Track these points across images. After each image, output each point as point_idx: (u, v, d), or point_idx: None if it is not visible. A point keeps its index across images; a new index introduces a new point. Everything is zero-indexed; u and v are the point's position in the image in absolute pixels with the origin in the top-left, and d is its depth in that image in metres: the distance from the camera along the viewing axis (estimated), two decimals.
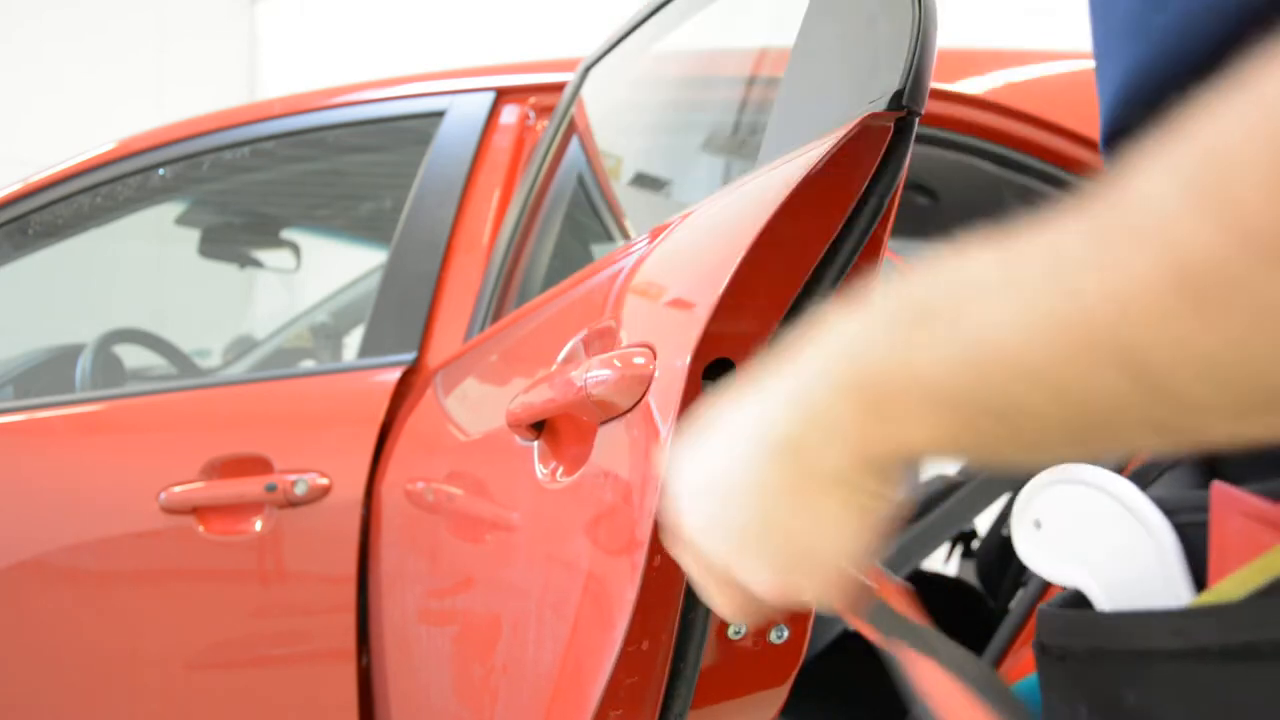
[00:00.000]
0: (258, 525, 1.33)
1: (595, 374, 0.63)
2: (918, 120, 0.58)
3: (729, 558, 0.42)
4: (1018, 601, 1.28)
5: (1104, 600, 0.46)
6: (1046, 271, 0.31)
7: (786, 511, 0.39)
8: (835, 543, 0.40)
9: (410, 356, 1.39)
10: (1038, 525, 0.48)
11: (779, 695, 0.64)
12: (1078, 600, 0.48)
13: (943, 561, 2.27)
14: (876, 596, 0.44)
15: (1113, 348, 0.29)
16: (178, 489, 1.35)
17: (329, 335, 2.55)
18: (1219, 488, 0.42)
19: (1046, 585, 1.15)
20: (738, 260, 0.56)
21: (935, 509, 1.93)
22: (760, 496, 0.40)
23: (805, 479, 0.38)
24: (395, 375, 1.37)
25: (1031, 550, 0.49)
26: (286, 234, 2.47)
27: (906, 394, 0.35)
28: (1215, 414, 0.29)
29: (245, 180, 2.01)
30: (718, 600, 0.45)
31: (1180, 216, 0.28)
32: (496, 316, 1.31)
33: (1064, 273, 0.30)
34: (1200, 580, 0.43)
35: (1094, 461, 0.42)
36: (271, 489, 1.32)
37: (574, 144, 1.44)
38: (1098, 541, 0.46)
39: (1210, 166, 0.27)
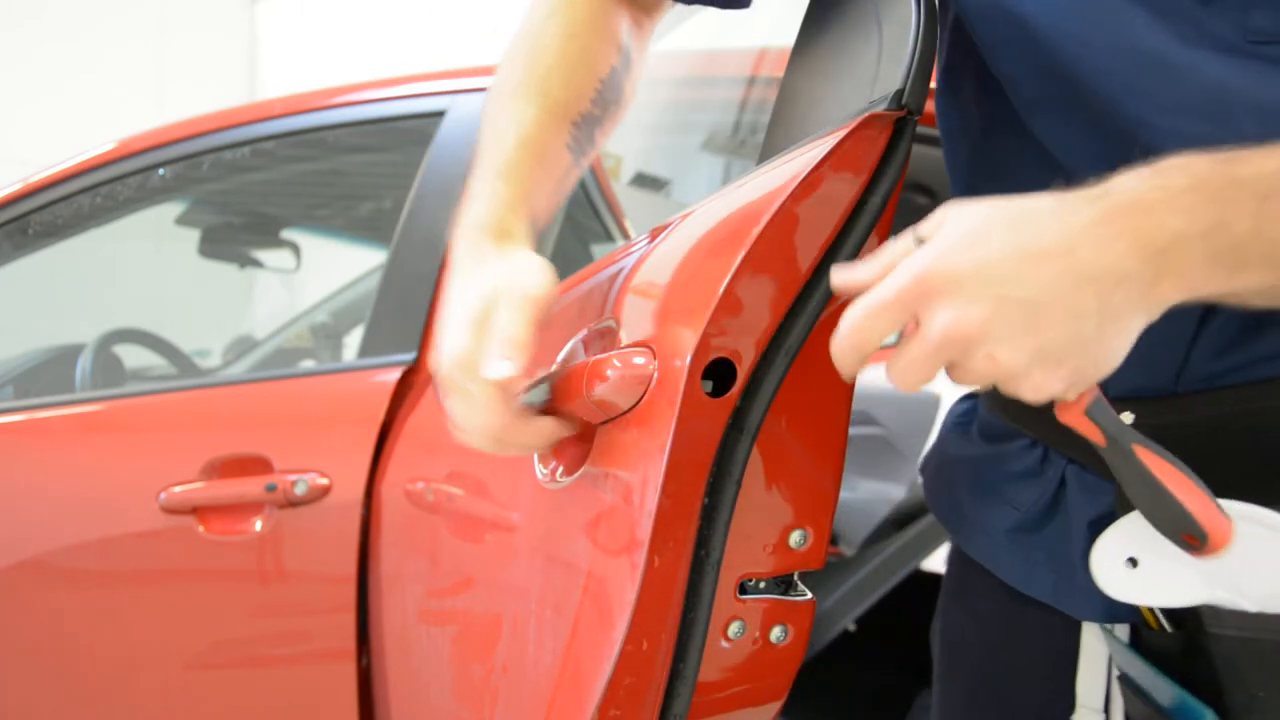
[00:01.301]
0: (258, 525, 1.33)
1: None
2: (918, 120, 0.58)
3: (1038, 340, 0.47)
4: None
5: (1252, 609, 0.52)
6: None
7: (1105, 320, 0.47)
8: (1119, 350, 0.48)
9: (410, 356, 1.39)
10: (1134, 563, 0.54)
11: (779, 696, 0.64)
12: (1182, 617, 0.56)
13: (944, 562, 2.27)
14: (1101, 398, 0.52)
15: None
16: (178, 489, 1.35)
17: (329, 335, 2.55)
18: None
19: None
20: (738, 260, 0.56)
21: None
22: (1093, 301, 0.46)
23: (1134, 304, 0.47)
24: (395, 375, 1.37)
25: (1129, 587, 0.55)
26: (286, 234, 2.47)
27: (1251, 250, 0.45)
28: None
29: (245, 180, 2.01)
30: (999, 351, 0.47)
31: None
32: None
33: None
34: None
35: None
36: (271, 489, 1.32)
37: None
38: (1229, 560, 0.51)
39: None
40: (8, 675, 1.41)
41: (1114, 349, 0.47)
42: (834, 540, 2.15)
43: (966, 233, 0.47)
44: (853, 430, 0.62)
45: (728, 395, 0.57)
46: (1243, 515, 0.52)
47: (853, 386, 0.61)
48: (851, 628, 2.09)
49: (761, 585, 0.61)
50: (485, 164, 0.72)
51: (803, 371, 0.58)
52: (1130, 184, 0.47)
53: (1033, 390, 0.47)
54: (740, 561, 0.59)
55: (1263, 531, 0.52)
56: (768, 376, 0.57)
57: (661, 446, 0.57)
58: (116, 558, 1.38)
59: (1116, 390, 0.61)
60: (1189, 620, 0.55)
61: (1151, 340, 0.59)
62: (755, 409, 0.57)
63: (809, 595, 0.62)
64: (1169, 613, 0.57)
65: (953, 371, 0.48)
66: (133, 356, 2.21)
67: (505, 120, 0.73)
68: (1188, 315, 0.57)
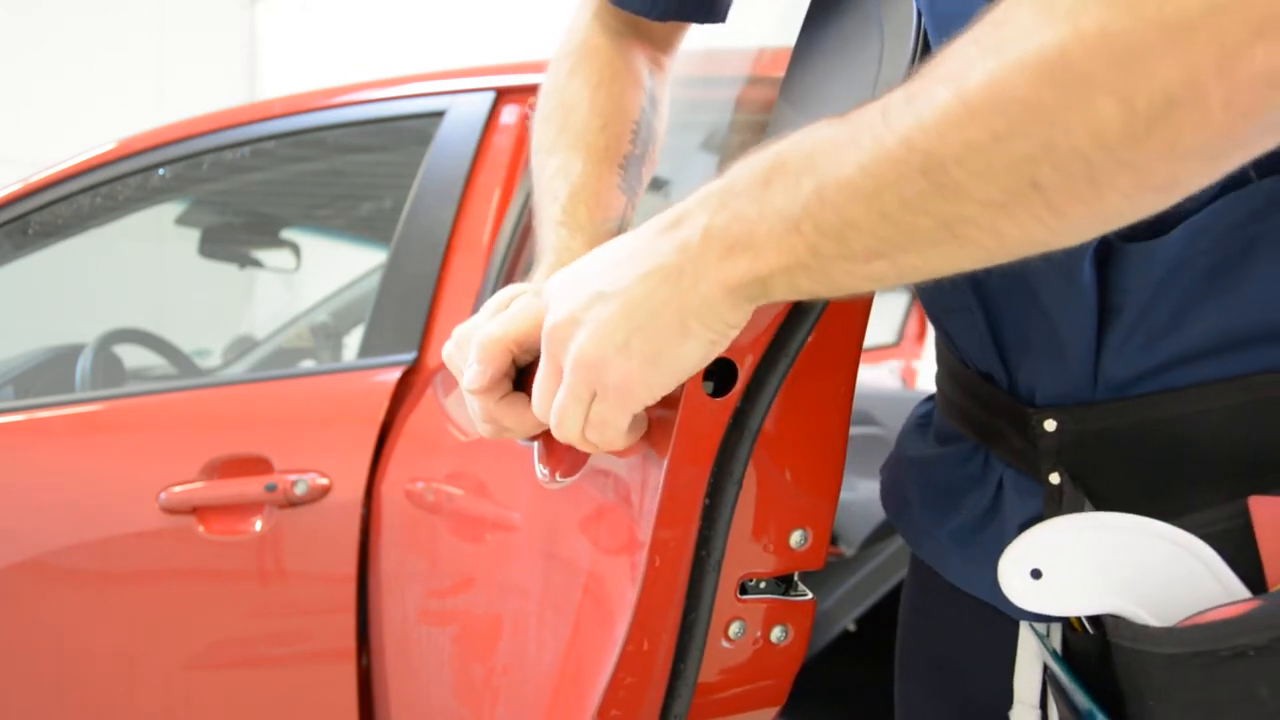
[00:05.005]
0: (258, 525, 1.33)
1: None
2: None
3: (606, 357, 0.52)
4: None
5: (1150, 618, 0.52)
6: (875, 119, 0.44)
7: (661, 323, 0.51)
8: (687, 358, 0.52)
9: (410, 356, 1.39)
10: (1037, 575, 0.54)
11: (780, 695, 0.64)
12: (1094, 626, 0.55)
13: None
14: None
15: (921, 159, 0.42)
16: (178, 489, 1.35)
17: (329, 335, 2.55)
18: (1258, 500, 0.51)
19: None
20: None
21: None
22: (646, 307, 0.51)
23: (681, 301, 0.50)
24: (395, 375, 1.37)
25: (1035, 596, 0.55)
26: (286, 234, 2.47)
27: (759, 229, 0.47)
28: (981, 204, 0.41)
29: (245, 180, 2.01)
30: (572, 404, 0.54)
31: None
32: None
33: (890, 115, 0.43)
34: (1251, 585, 0.50)
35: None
36: (271, 489, 1.32)
37: None
38: (1127, 570, 0.52)
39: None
40: (8, 675, 1.41)
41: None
42: (834, 540, 2.15)
43: None
44: (853, 430, 0.62)
45: (729, 395, 0.57)
46: (1138, 528, 0.51)
47: (854, 386, 0.61)
48: (851, 628, 2.09)
49: (762, 585, 0.61)
50: (545, 219, 0.73)
51: (804, 372, 0.58)
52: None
53: None
54: (741, 562, 0.59)
55: (1156, 543, 0.51)
56: (769, 377, 0.57)
57: (662, 447, 0.57)
58: (117, 558, 1.38)
59: (1041, 397, 0.61)
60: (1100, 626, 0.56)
61: (1059, 346, 0.58)
62: (756, 409, 0.57)
63: (809, 595, 0.62)
64: (1090, 615, 0.58)
65: None
66: (133, 356, 2.21)
67: (554, 174, 0.74)
68: (1087, 318, 0.56)
